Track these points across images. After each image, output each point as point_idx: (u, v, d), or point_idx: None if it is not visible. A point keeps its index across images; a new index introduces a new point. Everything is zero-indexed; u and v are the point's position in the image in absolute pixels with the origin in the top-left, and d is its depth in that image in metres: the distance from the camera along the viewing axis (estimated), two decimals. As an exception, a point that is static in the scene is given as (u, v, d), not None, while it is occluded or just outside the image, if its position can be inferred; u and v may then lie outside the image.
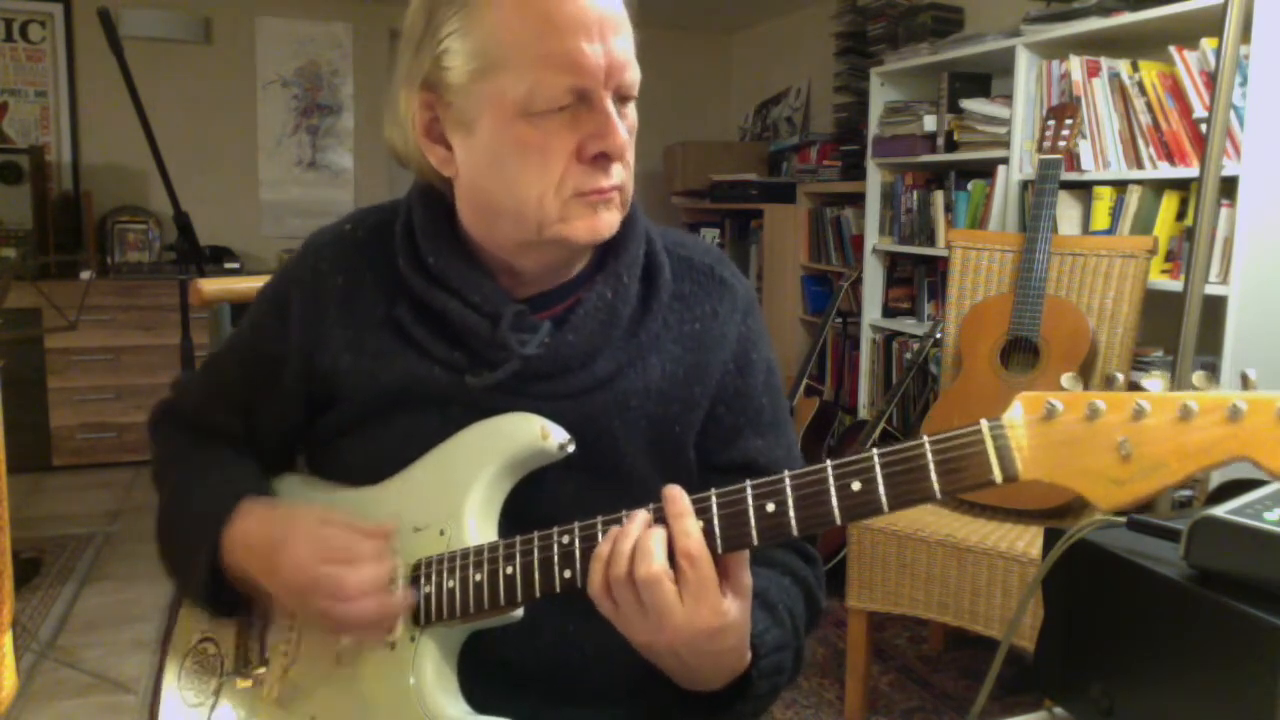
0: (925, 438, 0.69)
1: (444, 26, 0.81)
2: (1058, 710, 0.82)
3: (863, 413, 3.66)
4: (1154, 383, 0.64)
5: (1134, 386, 0.66)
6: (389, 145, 0.92)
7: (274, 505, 0.91)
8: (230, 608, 0.92)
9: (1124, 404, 0.64)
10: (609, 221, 0.85)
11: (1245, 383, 0.62)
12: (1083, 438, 0.64)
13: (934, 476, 0.68)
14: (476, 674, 0.85)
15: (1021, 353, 2.29)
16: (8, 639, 1.75)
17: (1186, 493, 2.15)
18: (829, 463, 0.71)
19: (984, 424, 0.67)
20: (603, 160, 0.82)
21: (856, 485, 0.70)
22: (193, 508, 0.93)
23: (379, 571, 0.82)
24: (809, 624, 0.93)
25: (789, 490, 0.72)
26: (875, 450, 0.70)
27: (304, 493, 0.97)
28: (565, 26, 0.78)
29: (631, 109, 0.84)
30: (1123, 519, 0.79)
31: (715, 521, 0.73)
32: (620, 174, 0.84)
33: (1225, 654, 0.67)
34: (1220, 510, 0.71)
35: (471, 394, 0.86)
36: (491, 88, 0.80)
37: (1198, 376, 0.63)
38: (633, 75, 0.82)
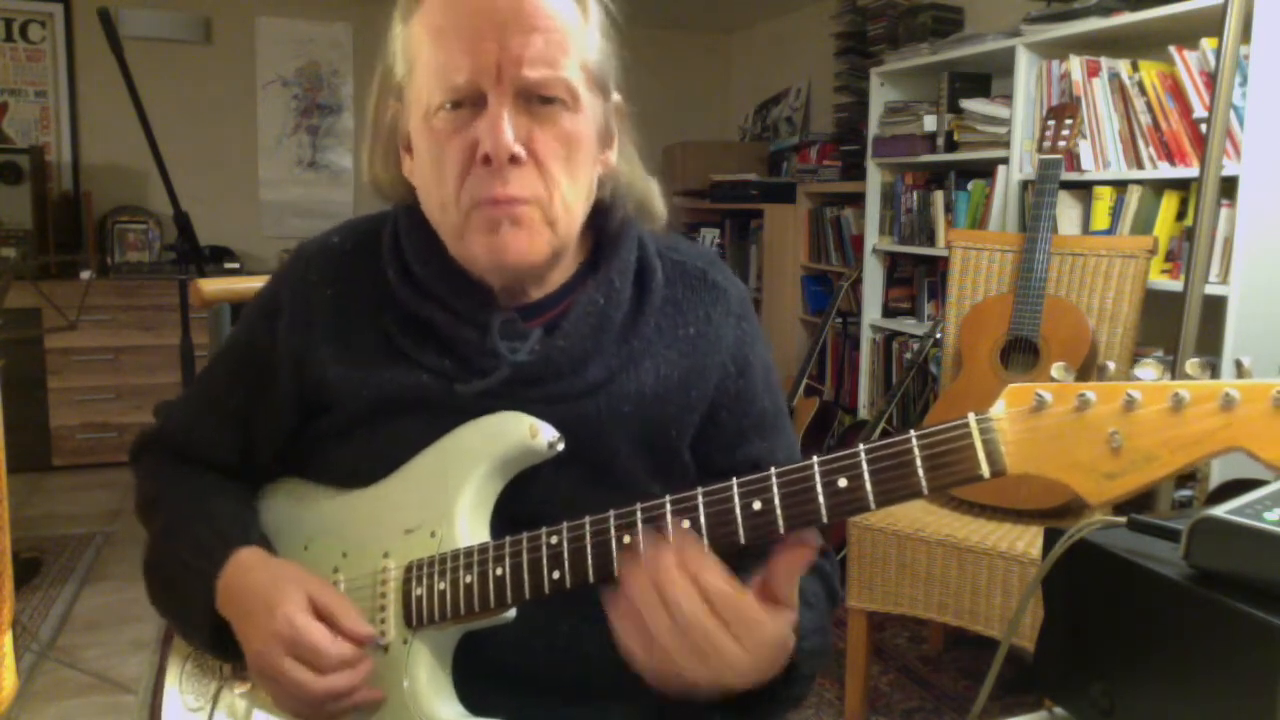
0: (912, 433, 0.68)
1: (395, 38, 0.86)
2: (1058, 710, 0.82)
3: (863, 413, 3.66)
4: (1147, 371, 0.63)
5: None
6: (369, 173, 0.93)
7: (258, 569, 0.87)
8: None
9: (1114, 394, 0.62)
10: (516, 243, 0.81)
11: (1239, 370, 0.61)
12: (1072, 430, 0.63)
13: (921, 472, 0.67)
14: (471, 675, 0.85)
15: (1022, 353, 2.29)
16: (8, 639, 1.75)
17: (1186, 493, 2.15)
18: (815, 459, 0.71)
19: (971, 418, 0.66)
20: (494, 164, 0.79)
21: (843, 482, 0.69)
22: (178, 570, 0.90)
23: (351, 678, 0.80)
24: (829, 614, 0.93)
25: (775, 488, 0.71)
26: (862, 446, 0.69)
27: (295, 500, 0.96)
28: (453, 27, 0.79)
29: (564, 117, 0.81)
30: (1123, 519, 0.79)
31: (702, 520, 0.73)
32: (526, 185, 0.80)
33: (1225, 654, 0.67)
34: (1220, 510, 0.71)
35: (461, 402, 0.86)
36: (411, 94, 0.84)
37: (1191, 365, 0.61)
38: (544, 76, 0.78)
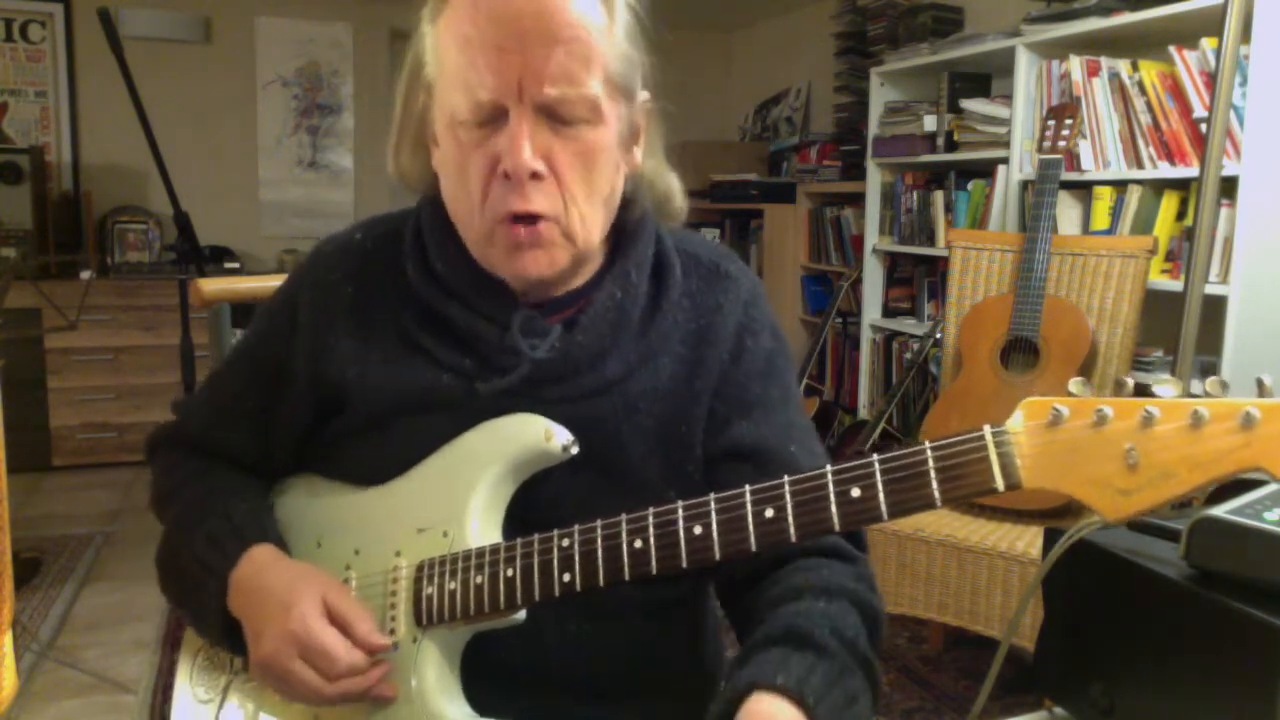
0: (926, 444, 0.68)
1: (424, 35, 0.85)
2: (1058, 710, 0.82)
3: (863, 413, 3.66)
4: (1165, 389, 0.62)
5: (1141, 390, 0.64)
6: (393, 161, 0.93)
7: (272, 568, 0.88)
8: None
9: (1132, 411, 0.62)
10: (536, 263, 0.82)
11: (1261, 389, 0.60)
12: (1089, 445, 0.62)
13: (935, 484, 0.67)
14: (479, 675, 0.85)
15: (1021, 353, 2.29)
16: (8, 639, 1.75)
17: (1186, 493, 2.15)
18: (829, 468, 0.71)
19: (987, 430, 0.66)
20: (514, 180, 0.79)
21: (856, 492, 0.69)
22: (192, 563, 0.90)
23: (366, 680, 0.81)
24: (871, 633, 0.83)
25: (788, 496, 0.71)
26: (876, 456, 0.69)
27: (308, 496, 0.97)
28: (478, 38, 0.79)
29: (585, 132, 0.81)
30: (1123, 519, 0.79)
31: (714, 527, 0.73)
32: (544, 201, 0.81)
33: (1225, 654, 0.67)
34: (1220, 510, 0.71)
35: (480, 401, 0.86)
36: (439, 98, 0.84)
37: (1211, 383, 0.61)
38: (564, 93, 0.79)
